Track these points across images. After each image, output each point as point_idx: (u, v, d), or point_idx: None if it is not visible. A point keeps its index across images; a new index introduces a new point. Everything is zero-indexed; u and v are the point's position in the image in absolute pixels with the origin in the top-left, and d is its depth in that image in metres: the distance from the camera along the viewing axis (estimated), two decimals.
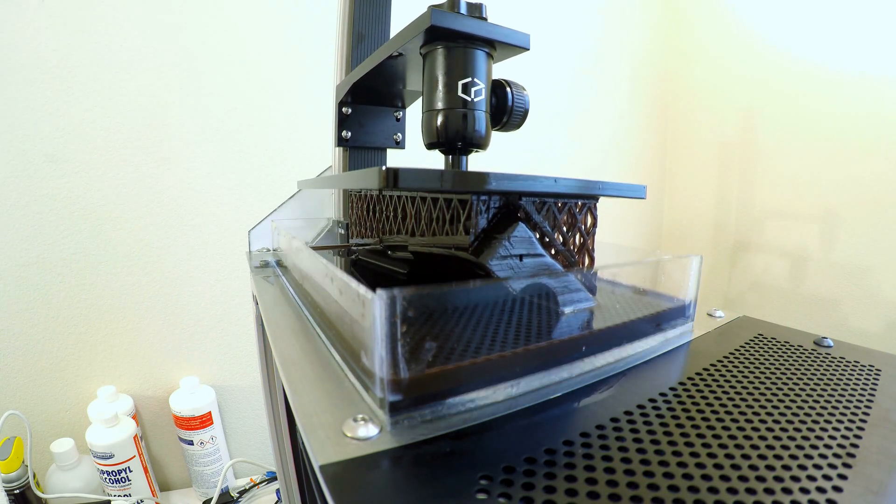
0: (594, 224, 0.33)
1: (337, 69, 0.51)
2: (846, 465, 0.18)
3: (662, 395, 0.23)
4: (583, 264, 0.33)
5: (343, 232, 0.53)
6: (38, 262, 0.70)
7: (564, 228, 0.32)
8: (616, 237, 1.33)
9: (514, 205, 0.29)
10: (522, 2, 1.06)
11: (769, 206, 1.13)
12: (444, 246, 0.30)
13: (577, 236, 0.33)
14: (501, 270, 0.27)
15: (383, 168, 0.22)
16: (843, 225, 1.00)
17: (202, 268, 0.81)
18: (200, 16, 0.75)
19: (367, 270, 0.41)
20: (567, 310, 0.27)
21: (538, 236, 0.30)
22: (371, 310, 0.18)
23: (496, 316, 0.22)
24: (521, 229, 0.28)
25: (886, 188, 0.93)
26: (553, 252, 0.31)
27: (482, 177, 0.24)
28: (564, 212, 0.32)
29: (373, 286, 0.18)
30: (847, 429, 0.20)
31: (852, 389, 0.24)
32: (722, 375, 0.25)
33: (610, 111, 1.27)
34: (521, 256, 0.28)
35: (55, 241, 0.71)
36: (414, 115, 0.43)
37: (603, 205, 0.34)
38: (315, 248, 0.49)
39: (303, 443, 0.20)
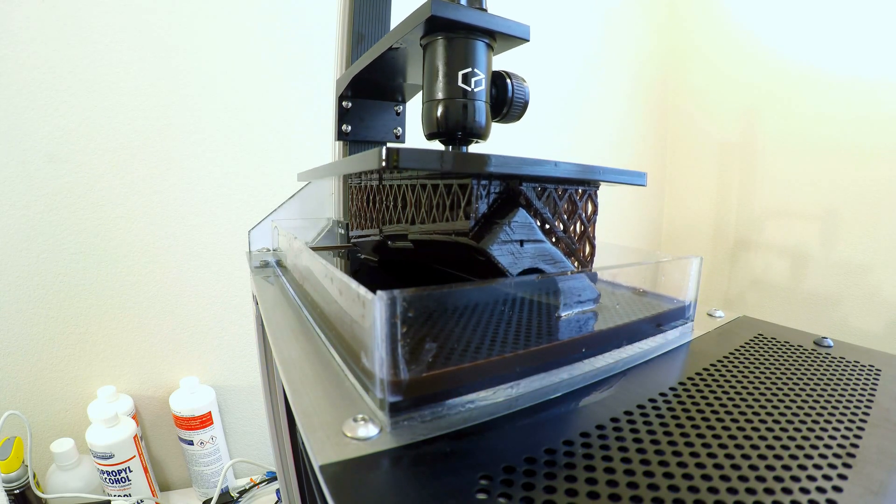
0: (595, 211, 0.33)
1: (337, 69, 0.51)
2: (846, 465, 0.18)
3: (662, 395, 0.23)
4: (583, 252, 0.33)
5: (343, 232, 0.53)
6: (38, 262, 0.70)
7: (565, 216, 0.32)
8: (616, 237, 1.33)
9: (514, 190, 0.29)
10: (525, 3, 1.06)
11: (769, 206, 1.13)
12: (444, 232, 0.30)
13: (578, 224, 0.33)
14: (502, 255, 0.27)
15: (384, 147, 0.22)
16: (843, 225, 1.00)
17: (202, 268, 0.81)
18: (200, 16, 0.75)
19: (368, 267, 0.41)
20: (567, 311, 0.27)
21: (539, 223, 0.30)
22: (371, 311, 0.18)
23: (496, 317, 0.22)
24: (522, 215, 0.28)
25: (886, 188, 0.93)
26: (554, 239, 0.31)
27: (483, 158, 0.24)
28: (565, 199, 0.31)
29: (372, 286, 0.18)
30: (847, 429, 0.20)
31: (852, 389, 0.24)
32: (722, 375, 0.25)
33: (611, 112, 1.27)
34: (521, 242, 0.28)
35: (55, 241, 0.71)
36: (414, 109, 0.43)
37: (602, 203, 0.34)
38: (315, 249, 0.49)
39: (303, 443, 0.20)
